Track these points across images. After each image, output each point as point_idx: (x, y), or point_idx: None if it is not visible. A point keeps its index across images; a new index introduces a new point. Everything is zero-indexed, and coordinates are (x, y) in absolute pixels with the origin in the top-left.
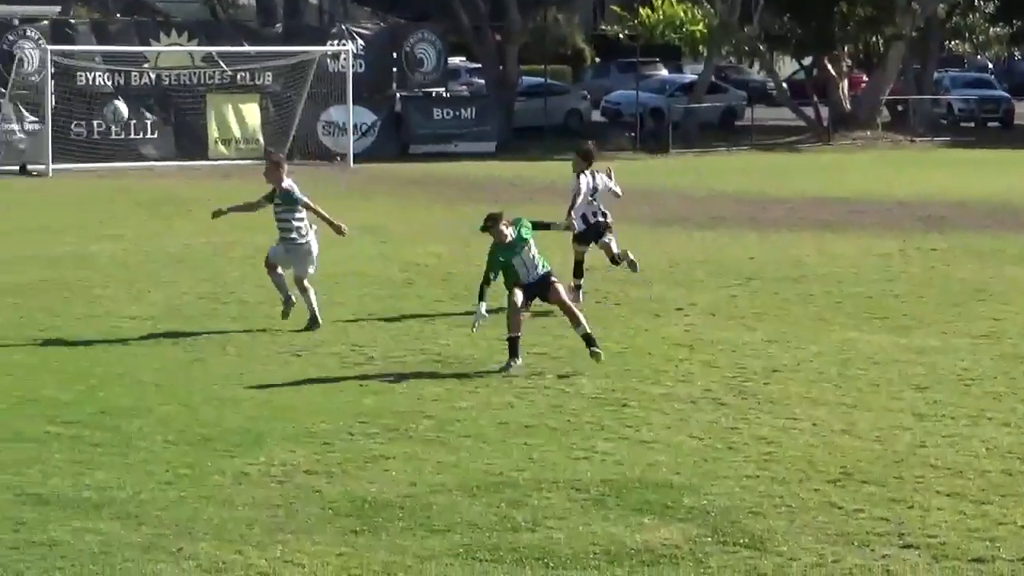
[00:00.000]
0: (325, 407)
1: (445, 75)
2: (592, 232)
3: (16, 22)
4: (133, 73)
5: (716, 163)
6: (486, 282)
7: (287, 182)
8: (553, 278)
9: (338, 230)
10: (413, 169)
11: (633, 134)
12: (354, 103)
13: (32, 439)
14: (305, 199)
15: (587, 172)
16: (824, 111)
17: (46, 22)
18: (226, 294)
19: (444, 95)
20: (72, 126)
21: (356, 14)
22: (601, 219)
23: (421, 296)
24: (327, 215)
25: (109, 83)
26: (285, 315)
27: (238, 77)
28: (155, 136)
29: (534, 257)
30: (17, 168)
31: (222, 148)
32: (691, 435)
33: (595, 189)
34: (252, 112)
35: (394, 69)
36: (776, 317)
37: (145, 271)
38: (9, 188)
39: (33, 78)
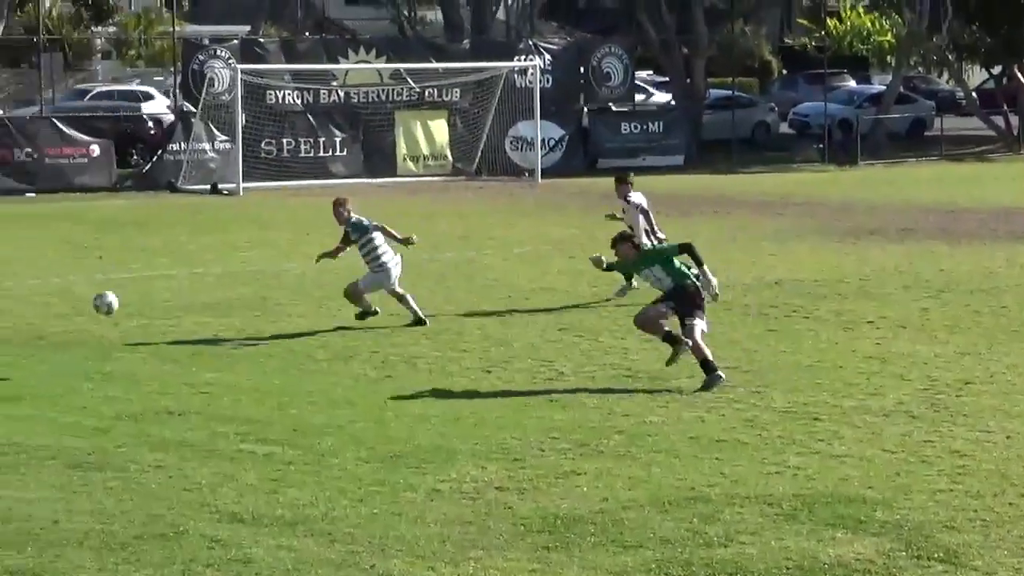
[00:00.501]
0: (515, 423)
1: (632, 89)
2: None
3: (206, 42)
4: (322, 91)
5: (905, 174)
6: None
7: (353, 216)
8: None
9: (406, 241)
10: (601, 184)
11: (821, 146)
12: (542, 118)
13: (226, 457)
14: (373, 224)
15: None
16: (1014, 120)
17: (236, 41)
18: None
19: (631, 109)
20: (262, 144)
21: (543, 29)
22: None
23: (611, 311)
24: (394, 232)
25: (298, 101)
26: (362, 318)
27: (426, 94)
28: (344, 153)
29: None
30: (208, 187)
31: (410, 165)
32: (883, 449)
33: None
34: (440, 128)
35: (581, 84)
36: (968, 329)
37: (335, 289)
38: (201, 207)
39: (223, 97)
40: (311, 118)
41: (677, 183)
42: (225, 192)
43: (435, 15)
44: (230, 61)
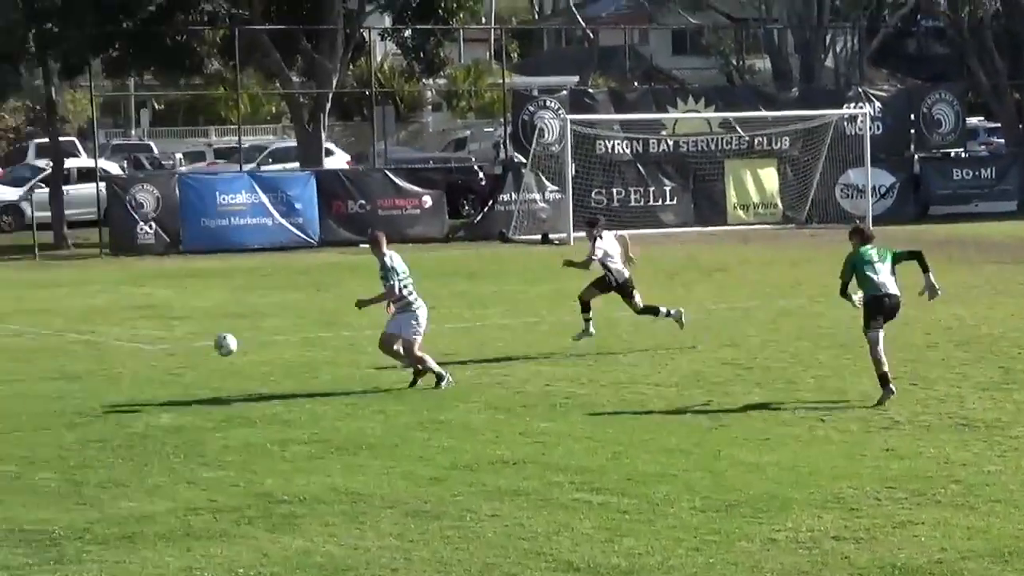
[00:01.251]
0: (851, 472)
1: (963, 135)
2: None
3: (536, 93)
4: (651, 140)
5: None
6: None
7: (387, 255)
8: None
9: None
10: (933, 230)
11: None
12: (872, 165)
13: (561, 506)
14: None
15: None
16: None
17: (565, 92)
18: (748, 359)
19: (963, 155)
20: (592, 194)
21: (872, 76)
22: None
23: (945, 359)
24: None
25: (627, 151)
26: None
27: (755, 142)
28: (673, 202)
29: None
30: (539, 237)
31: (740, 213)
32: None
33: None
34: (770, 177)
35: (911, 131)
36: None
37: (667, 337)
38: (532, 257)
39: (553, 147)
40: (640, 167)
41: (1011, 229)
42: (556, 242)
43: (763, 63)
44: (559, 111)
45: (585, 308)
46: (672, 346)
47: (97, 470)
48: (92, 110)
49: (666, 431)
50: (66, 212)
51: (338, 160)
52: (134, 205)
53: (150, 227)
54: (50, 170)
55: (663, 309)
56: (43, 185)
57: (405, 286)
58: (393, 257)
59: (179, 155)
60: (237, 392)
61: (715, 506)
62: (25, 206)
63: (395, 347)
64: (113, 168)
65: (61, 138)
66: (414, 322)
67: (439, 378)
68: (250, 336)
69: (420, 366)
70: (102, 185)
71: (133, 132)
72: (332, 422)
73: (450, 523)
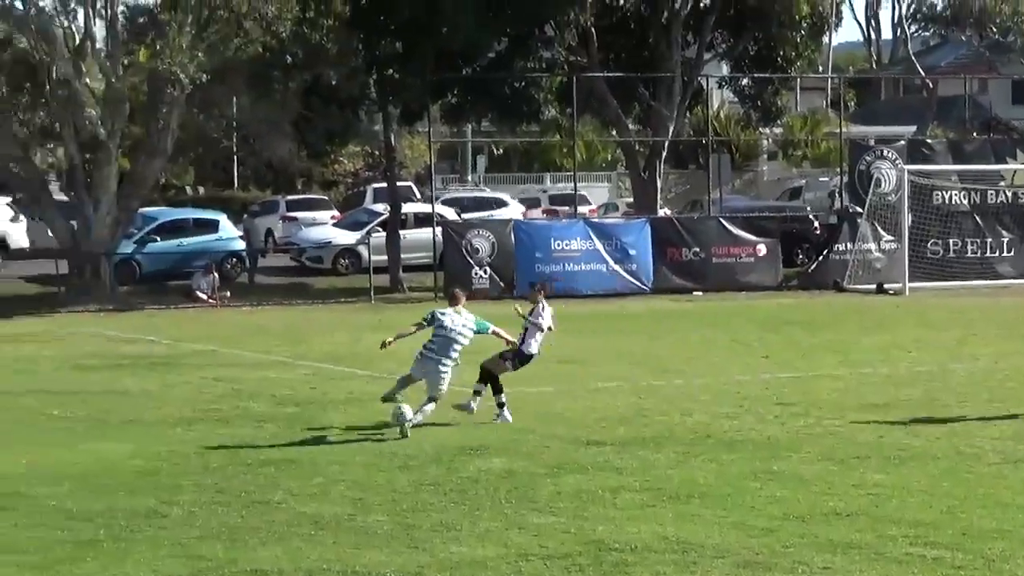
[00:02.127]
0: None
1: None
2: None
3: (872, 143)
4: (989, 192)
5: None
6: None
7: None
8: None
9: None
10: None
11: None
12: None
13: (894, 560)
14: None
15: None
16: None
17: (902, 142)
18: None
19: None
20: (928, 244)
21: None
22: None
23: None
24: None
25: (965, 201)
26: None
27: None
28: (1011, 254)
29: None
30: (874, 287)
31: None
32: None
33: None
34: None
35: None
36: None
37: (1003, 391)
38: (866, 307)
39: (890, 197)
40: (978, 218)
41: None
42: (891, 292)
43: None
44: (897, 162)
45: (488, 379)
46: (1008, 399)
47: (429, 513)
48: (430, 155)
49: (1003, 485)
50: (402, 256)
51: (513, 210)
52: (470, 250)
53: (485, 272)
54: (387, 214)
55: (503, 398)
56: (380, 229)
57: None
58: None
59: (515, 201)
60: (568, 438)
61: None
62: (362, 249)
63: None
64: (450, 214)
65: (398, 183)
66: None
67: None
68: (581, 382)
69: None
70: (438, 230)
71: (469, 178)
72: (664, 470)
73: (781, 575)
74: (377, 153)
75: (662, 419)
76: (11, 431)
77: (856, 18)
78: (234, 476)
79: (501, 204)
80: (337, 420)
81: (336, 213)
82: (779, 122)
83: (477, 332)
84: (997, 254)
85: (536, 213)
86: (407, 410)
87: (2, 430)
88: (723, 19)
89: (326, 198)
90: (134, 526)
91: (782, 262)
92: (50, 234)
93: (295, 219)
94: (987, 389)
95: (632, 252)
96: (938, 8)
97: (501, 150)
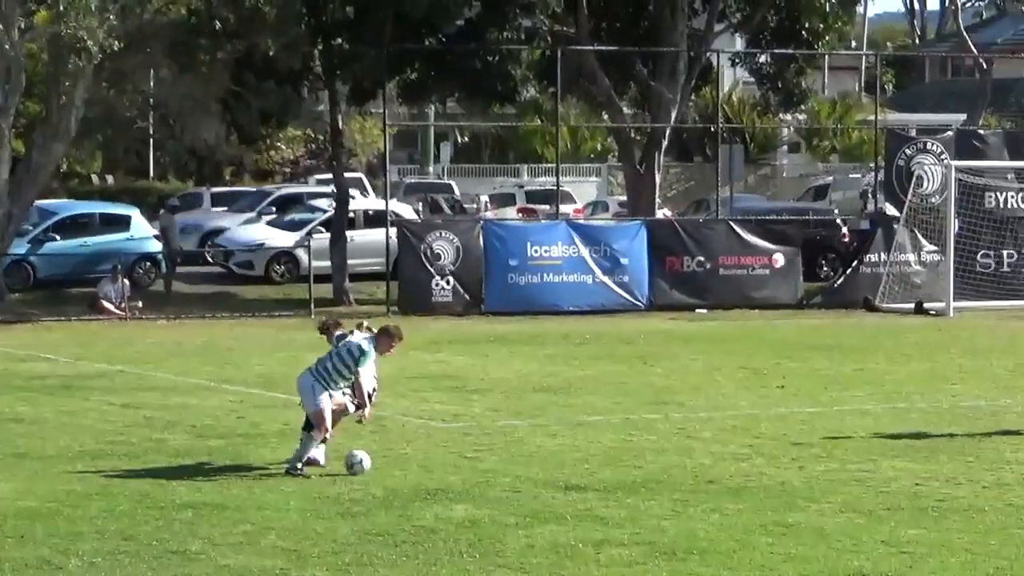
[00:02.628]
0: None
1: None
2: None
3: (914, 132)
4: None
5: None
6: None
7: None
8: None
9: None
10: None
11: None
12: None
13: None
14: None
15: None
16: None
17: (950, 133)
18: None
19: None
20: (978, 256)
21: None
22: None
23: None
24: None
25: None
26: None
27: None
28: None
29: None
30: (912, 306)
31: None
32: None
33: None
34: None
35: None
36: None
37: None
38: (903, 330)
39: (933, 199)
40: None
41: None
42: (932, 312)
43: None
44: (942, 156)
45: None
46: None
47: (376, 569)
48: (384, 142)
49: None
50: (349, 262)
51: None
52: (430, 256)
53: (447, 282)
54: (332, 212)
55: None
56: (323, 230)
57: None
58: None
59: (484, 198)
60: (544, 481)
61: None
62: (301, 254)
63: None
64: (406, 212)
65: (346, 174)
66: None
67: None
68: (561, 415)
69: None
70: (392, 231)
71: (431, 169)
72: (657, 521)
73: None
74: (321, 138)
75: (656, 460)
76: None
77: None
78: (144, 522)
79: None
80: (268, 456)
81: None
82: (803, 107)
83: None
84: None
85: (510, 212)
86: (365, 461)
87: None
88: None
89: (260, 190)
90: None
91: (803, 275)
92: None
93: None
94: None
95: (624, 261)
96: None
97: (468, 137)
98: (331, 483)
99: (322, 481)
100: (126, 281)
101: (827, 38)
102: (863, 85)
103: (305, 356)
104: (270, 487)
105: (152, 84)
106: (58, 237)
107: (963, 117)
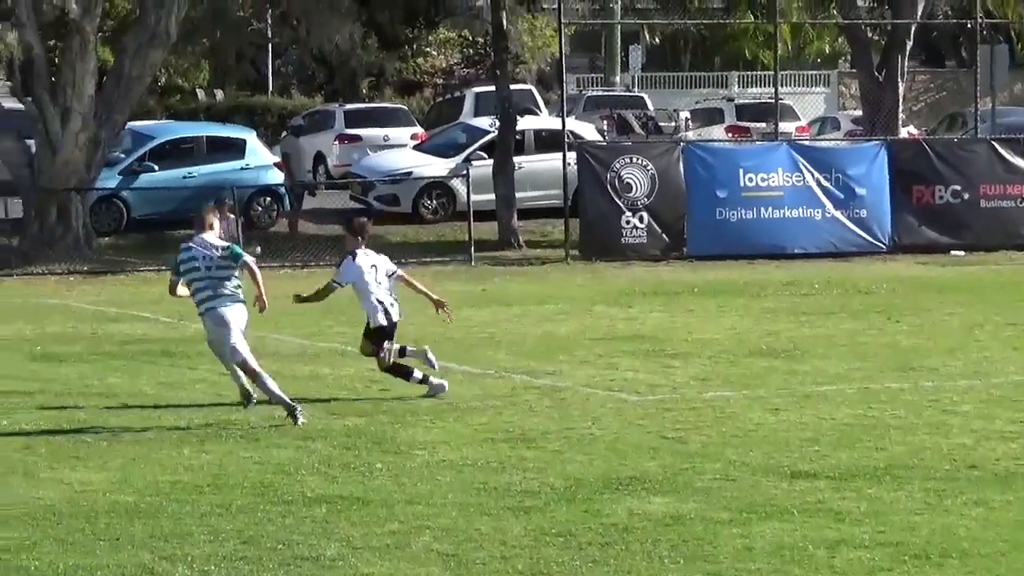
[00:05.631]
0: None
1: None
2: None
3: None
4: None
5: None
6: None
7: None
8: None
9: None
10: None
11: None
12: None
13: None
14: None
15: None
16: None
17: None
18: None
19: None
20: None
21: None
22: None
23: None
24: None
25: None
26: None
27: None
28: None
29: None
30: None
31: None
32: None
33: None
34: None
35: None
36: None
37: None
38: None
39: None
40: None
41: None
42: None
43: None
44: None
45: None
46: None
47: None
48: (560, 45)
49: None
50: (517, 195)
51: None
52: (618, 187)
53: (640, 220)
54: (495, 133)
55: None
56: (485, 155)
57: None
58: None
59: (684, 114)
60: (764, 467)
61: None
62: (458, 186)
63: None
64: (588, 132)
65: (513, 86)
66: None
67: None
68: (785, 384)
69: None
70: (571, 156)
71: (617, 79)
72: (906, 516)
73: None
74: (481, 42)
75: (904, 440)
76: None
77: None
78: (267, 520)
79: None
80: (420, 437)
81: (419, 131)
82: None
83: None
84: None
85: (717, 132)
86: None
87: None
88: None
89: (404, 108)
90: None
91: None
92: None
93: (358, 139)
94: None
95: (860, 191)
96: None
97: (663, 38)
98: (498, 471)
99: (487, 469)
100: (239, 220)
101: None
102: None
103: (466, 312)
104: (422, 476)
105: None
106: (156, 167)
107: None
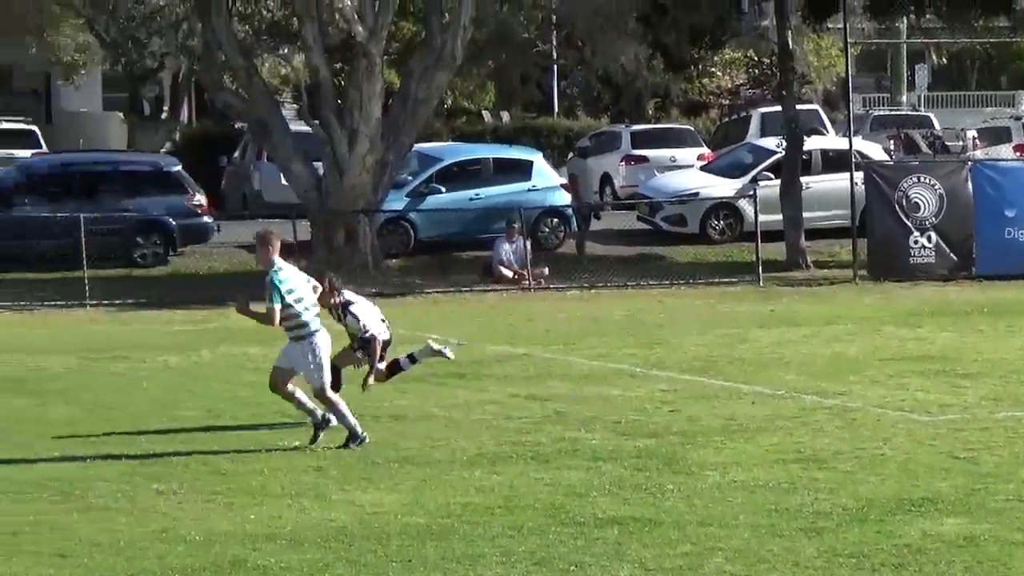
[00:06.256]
0: None
1: None
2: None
3: None
4: None
5: None
6: None
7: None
8: None
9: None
10: None
11: None
12: None
13: None
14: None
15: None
16: None
17: None
18: None
19: None
20: None
21: None
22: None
23: None
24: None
25: None
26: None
27: None
28: None
29: None
30: None
31: None
32: None
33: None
34: None
35: None
36: None
37: None
38: None
39: None
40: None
41: None
42: None
43: None
44: None
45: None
46: None
47: None
48: (846, 64)
49: None
50: (805, 215)
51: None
52: (906, 207)
53: (928, 239)
54: (782, 153)
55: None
56: (771, 176)
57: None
58: (283, 270)
59: (972, 133)
60: None
61: None
62: (745, 206)
63: (289, 387)
64: (875, 151)
65: (799, 106)
66: (311, 356)
67: (352, 436)
68: None
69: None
70: (858, 176)
71: (904, 98)
72: None
73: None
74: (767, 62)
75: None
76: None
77: None
78: (559, 541)
79: None
80: (711, 458)
81: (706, 151)
82: None
83: None
84: None
85: (1005, 151)
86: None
87: (230, 469)
88: None
89: (690, 128)
90: None
91: None
92: (283, 182)
93: (645, 160)
94: None
95: None
96: None
97: (950, 57)
98: (789, 492)
99: (778, 490)
100: (527, 242)
101: None
102: None
103: (751, 333)
104: (714, 498)
105: None
106: (443, 189)
107: None
